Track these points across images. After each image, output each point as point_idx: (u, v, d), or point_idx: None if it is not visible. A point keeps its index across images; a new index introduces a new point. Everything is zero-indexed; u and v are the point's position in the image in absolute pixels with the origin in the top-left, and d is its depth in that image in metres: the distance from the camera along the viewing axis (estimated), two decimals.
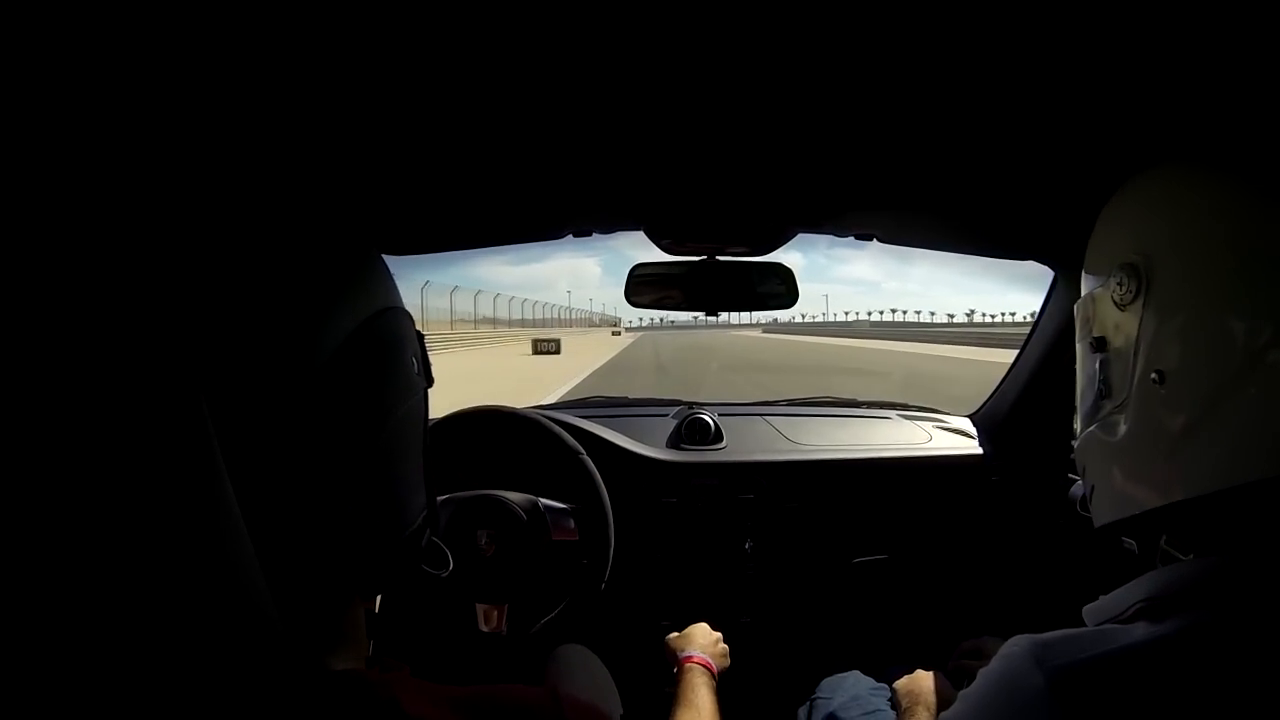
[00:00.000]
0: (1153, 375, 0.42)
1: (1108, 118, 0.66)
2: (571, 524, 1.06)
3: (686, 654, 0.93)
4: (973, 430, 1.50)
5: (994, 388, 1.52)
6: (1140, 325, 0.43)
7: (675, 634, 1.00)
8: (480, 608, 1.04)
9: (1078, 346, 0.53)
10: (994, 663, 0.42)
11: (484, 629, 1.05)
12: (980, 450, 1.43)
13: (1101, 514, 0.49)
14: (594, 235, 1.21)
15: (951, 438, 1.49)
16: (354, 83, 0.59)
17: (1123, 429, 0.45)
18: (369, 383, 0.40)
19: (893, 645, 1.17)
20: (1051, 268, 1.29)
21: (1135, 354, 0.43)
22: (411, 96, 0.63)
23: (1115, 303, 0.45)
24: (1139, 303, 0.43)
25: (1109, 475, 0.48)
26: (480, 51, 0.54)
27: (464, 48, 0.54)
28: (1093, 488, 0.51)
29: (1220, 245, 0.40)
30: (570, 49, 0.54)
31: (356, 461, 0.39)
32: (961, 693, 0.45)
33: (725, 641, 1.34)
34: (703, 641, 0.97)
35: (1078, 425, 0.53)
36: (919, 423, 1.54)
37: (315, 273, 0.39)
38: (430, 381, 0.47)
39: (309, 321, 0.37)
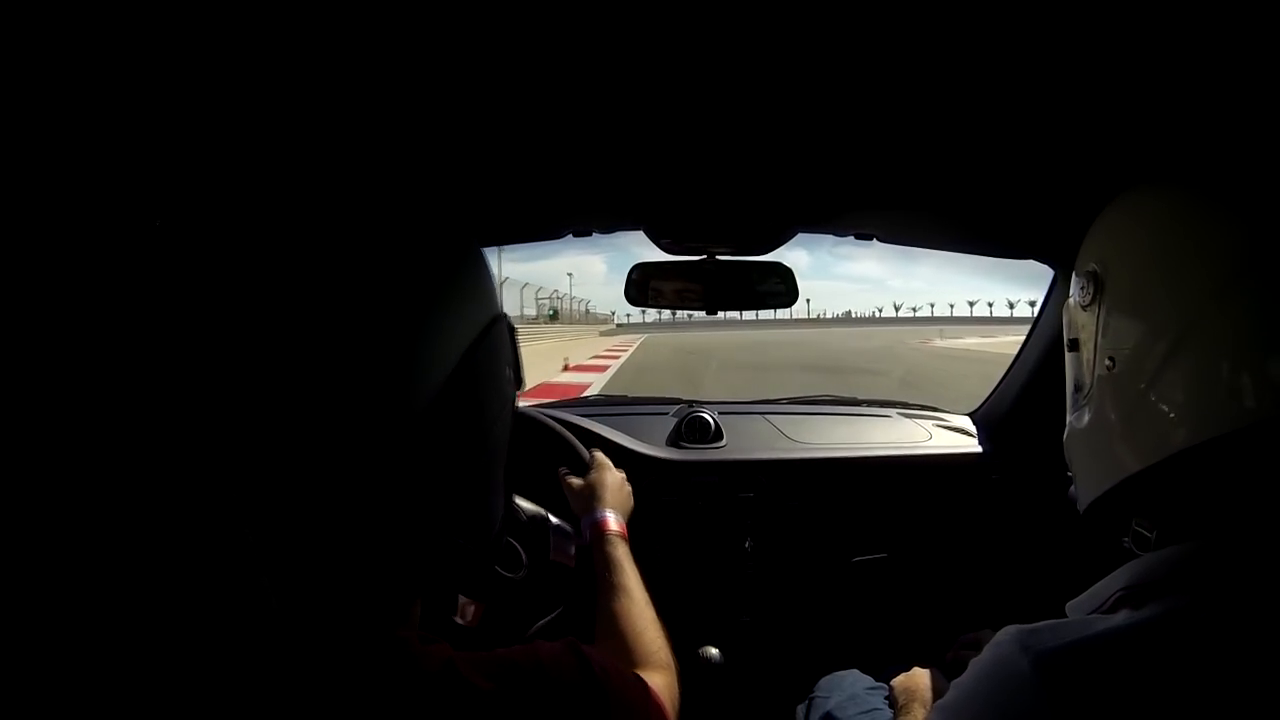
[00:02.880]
0: (1106, 362, 0.49)
1: (1107, 117, 0.66)
2: (572, 550, 1.04)
3: (600, 515, 0.80)
4: (973, 429, 1.50)
5: (994, 386, 1.53)
6: (1097, 322, 0.50)
7: (577, 480, 0.89)
8: (460, 599, 1.04)
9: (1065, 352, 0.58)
10: (984, 652, 0.45)
11: (458, 621, 1.04)
12: (980, 449, 1.43)
13: (1082, 499, 0.55)
14: (594, 235, 1.21)
15: (951, 436, 1.49)
16: (354, 82, 0.59)
17: (1088, 416, 0.52)
18: (471, 411, 0.37)
19: (892, 644, 1.18)
20: (1051, 267, 1.29)
21: (1095, 347, 0.50)
22: (412, 96, 0.63)
23: (1081, 306, 0.53)
24: (1096, 303, 0.50)
25: (1082, 459, 0.55)
26: (481, 51, 0.54)
27: (465, 47, 0.54)
28: (1074, 476, 0.58)
29: (1153, 255, 0.47)
30: (571, 49, 0.54)
31: (453, 479, 0.37)
32: (954, 681, 0.47)
33: (725, 640, 1.35)
34: (613, 490, 0.86)
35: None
36: (919, 421, 1.54)
37: (417, 298, 0.34)
38: (521, 385, 0.45)
39: (414, 355, 0.33)
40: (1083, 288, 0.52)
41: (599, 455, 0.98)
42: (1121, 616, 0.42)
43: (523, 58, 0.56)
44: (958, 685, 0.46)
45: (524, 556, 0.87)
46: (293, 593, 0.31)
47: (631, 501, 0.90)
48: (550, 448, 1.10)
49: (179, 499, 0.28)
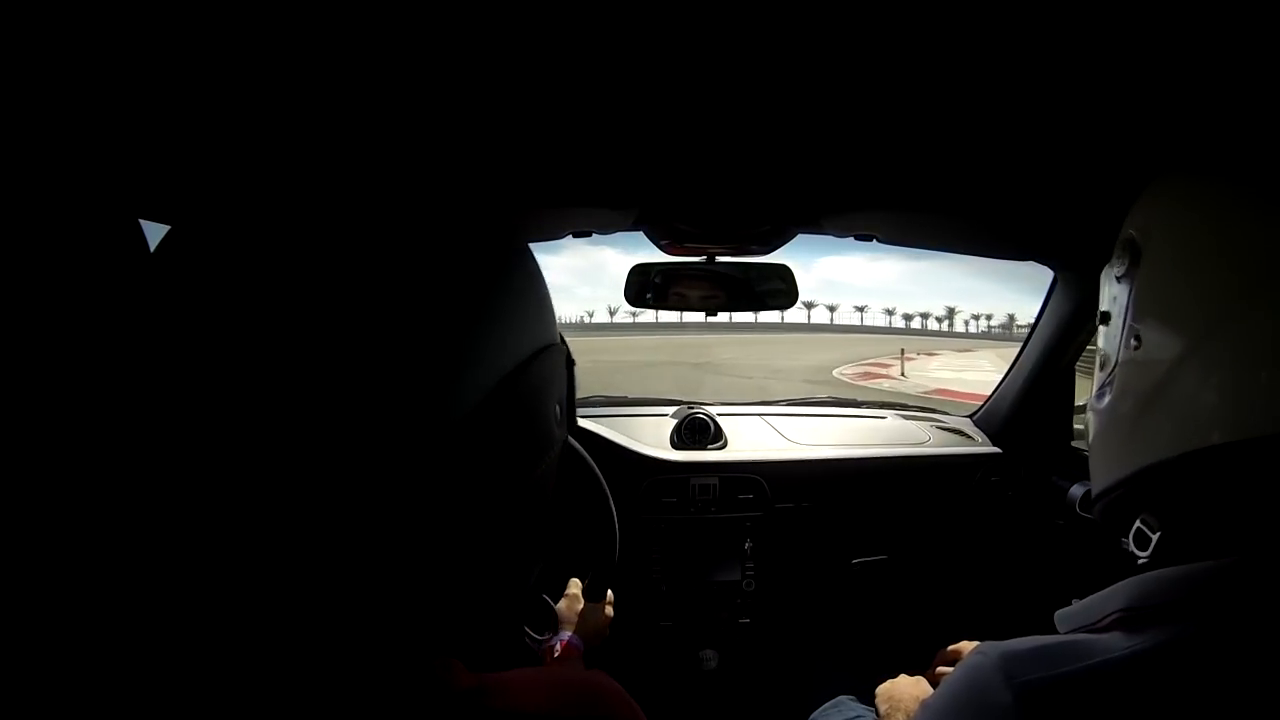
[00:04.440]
0: (1133, 340, 0.45)
1: (1107, 119, 0.66)
2: (549, 643, 0.89)
3: (560, 636, 0.80)
4: (972, 430, 1.51)
5: (993, 388, 1.53)
6: (1129, 294, 0.46)
7: (565, 600, 0.89)
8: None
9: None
10: (959, 671, 0.41)
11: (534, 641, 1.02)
12: (979, 450, 1.43)
13: (1095, 486, 0.51)
14: (594, 235, 1.20)
15: (950, 438, 1.49)
16: (347, 80, 0.59)
17: (1109, 397, 0.48)
18: (498, 448, 0.33)
19: (891, 647, 1.17)
20: (1051, 268, 1.29)
21: (1124, 321, 0.47)
22: (410, 94, 0.63)
23: (1116, 278, 0.49)
24: (1129, 275, 0.47)
25: (1098, 443, 0.50)
26: (482, 49, 0.54)
27: (466, 45, 0.53)
28: (1089, 460, 0.52)
29: (1198, 236, 0.43)
30: (572, 49, 0.54)
31: (476, 529, 0.32)
32: (924, 701, 0.44)
33: (724, 642, 1.35)
34: (583, 615, 0.86)
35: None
36: (918, 423, 1.54)
37: (463, 311, 0.31)
38: (572, 429, 0.40)
39: (447, 371, 0.30)
40: (1119, 256, 0.48)
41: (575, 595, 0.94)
42: (1115, 640, 0.38)
43: (524, 56, 0.55)
44: (927, 706, 0.43)
45: (557, 620, 0.83)
46: (301, 600, 0.29)
47: (606, 625, 0.90)
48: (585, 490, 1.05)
49: (178, 502, 0.27)
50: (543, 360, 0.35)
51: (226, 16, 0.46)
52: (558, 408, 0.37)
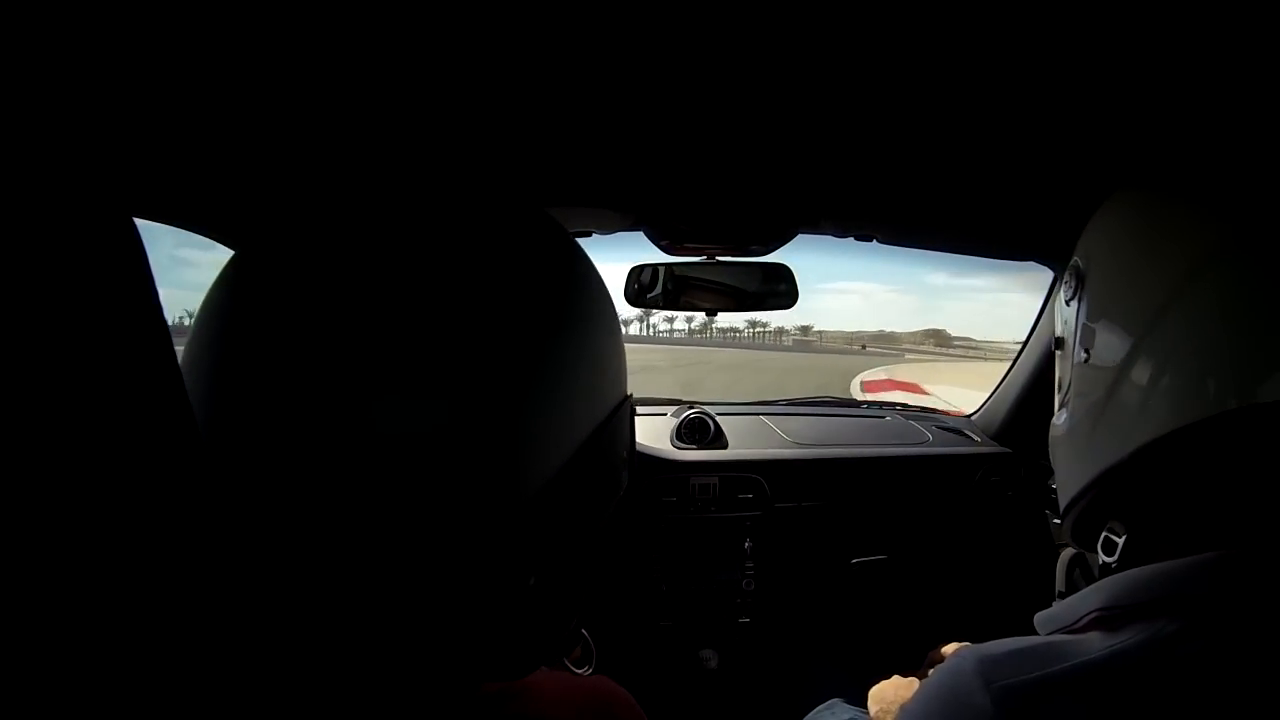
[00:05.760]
0: (1083, 355, 0.47)
1: (1106, 119, 0.66)
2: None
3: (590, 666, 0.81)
4: (971, 431, 1.51)
5: (993, 389, 1.53)
6: (1077, 316, 0.49)
7: None
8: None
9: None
10: (936, 676, 0.41)
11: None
12: (980, 450, 1.43)
13: (1061, 502, 0.52)
14: (594, 236, 1.20)
15: (950, 438, 1.49)
16: (345, 79, 0.59)
17: (1065, 415, 0.51)
18: (580, 506, 0.31)
19: (890, 647, 1.17)
20: (1051, 268, 1.29)
21: (1075, 342, 0.49)
22: (409, 94, 0.63)
23: (1065, 302, 0.52)
24: (1077, 297, 0.50)
25: (1062, 460, 0.52)
26: (482, 48, 0.54)
27: (466, 43, 0.53)
28: (1055, 481, 0.55)
29: (1127, 246, 0.46)
30: (573, 48, 0.54)
31: (550, 575, 0.31)
32: (903, 706, 0.44)
33: (723, 642, 1.35)
34: None
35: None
36: (918, 423, 1.55)
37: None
38: (634, 465, 0.39)
39: (519, 455, 0.28)
40: (1067, 282, 0.51)
41: None
42: (1094, 640, 0.38)
43: (525, 55, 0.55)
44: (906, 711, 0.43)
45: (594, 652, 0.84)
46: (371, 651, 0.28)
47: None
48: None
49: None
50: (618, 417, 0.33)
51: (228, 15, 0.46)
52: (625, 453, 0.36)
